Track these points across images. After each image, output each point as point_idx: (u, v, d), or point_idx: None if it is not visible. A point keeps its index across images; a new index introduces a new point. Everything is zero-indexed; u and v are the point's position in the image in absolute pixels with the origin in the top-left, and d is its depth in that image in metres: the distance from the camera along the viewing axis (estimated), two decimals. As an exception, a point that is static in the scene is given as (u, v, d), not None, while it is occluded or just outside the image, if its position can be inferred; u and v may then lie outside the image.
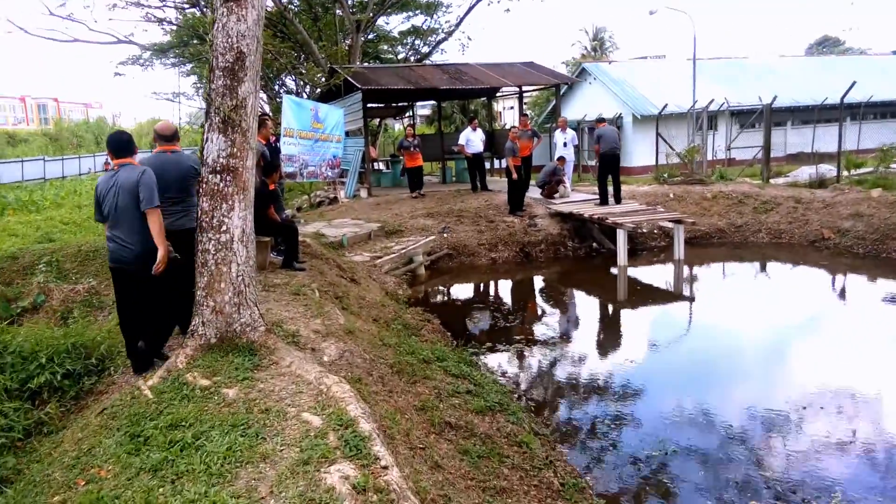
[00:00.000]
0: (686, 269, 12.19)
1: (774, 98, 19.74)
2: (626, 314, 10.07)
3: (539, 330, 9.10)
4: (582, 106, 30.02)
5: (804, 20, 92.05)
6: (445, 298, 11.23)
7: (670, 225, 12.99)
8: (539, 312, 10.25)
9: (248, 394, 3.99)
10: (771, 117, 19.19)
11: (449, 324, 9.12)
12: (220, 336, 4.67)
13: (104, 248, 11.61)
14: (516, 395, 6.12)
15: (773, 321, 8.97)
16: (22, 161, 40.47)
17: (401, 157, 23.27)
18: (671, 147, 19.30)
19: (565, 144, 15.53)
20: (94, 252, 10.89)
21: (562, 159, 15.24)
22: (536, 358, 7.80)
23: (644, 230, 13.48)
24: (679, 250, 12.09)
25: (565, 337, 8.74)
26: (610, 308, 10.50)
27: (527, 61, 20.71)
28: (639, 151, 26.30)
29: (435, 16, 28.88)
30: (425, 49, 30.34)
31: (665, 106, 23.58)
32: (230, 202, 4.64)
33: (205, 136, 4.67)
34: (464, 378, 5.73)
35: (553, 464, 4.66)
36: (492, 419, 5.06)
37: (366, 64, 22.98)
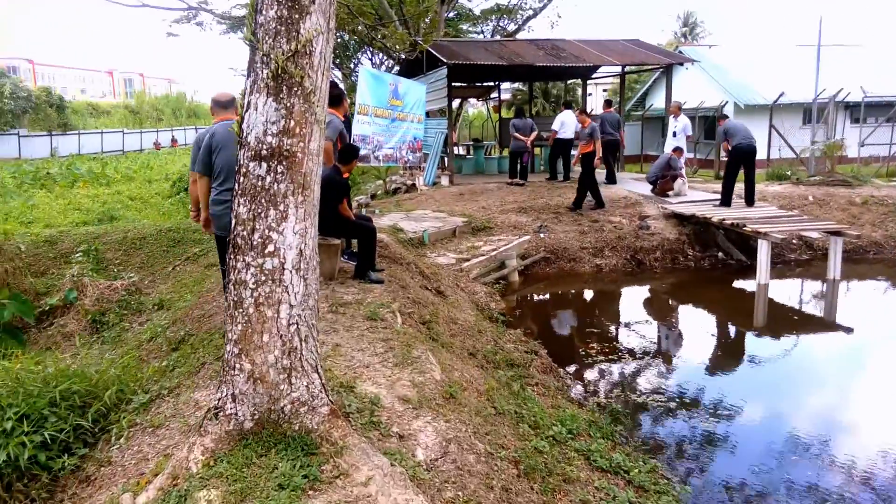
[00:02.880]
0: (841, 291, 9.88)
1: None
2: (776, 349, 7.92)
3: (670, 368, 7.10)
4: (678, 93, 27.16)
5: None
6: (546, 315, 9.32)
7: (816, 235, 10.67)
8: (664, 342, 8.23)
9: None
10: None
11: (556, 353, 7.27)
12: (258, 418, 2.94)
13: (153, 236, 10.25)
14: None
15: None
16: (102, 132, 40.60)
17: (484, 143, 21.46)
18: (786, 142, 16.68)
19: (674, 134, 13.31)
20: (140, 240, 9.47)
21: (678, 150, 13.03)
22: (686, 420, 5.83)
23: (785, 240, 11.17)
24: (835, 268, 9.77)
25: (711, 384, 6.71)
26: (759, 340, 8.35)
27: (631, 38, 18.39)
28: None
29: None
30: (512, 27, 28.21)
31: (781, 94, 20.75)
32: (282, 207, 2.88)
33: (244, 102, 2.92)
34: (618, 474, 3.84)
35: None
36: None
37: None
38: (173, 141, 44.84)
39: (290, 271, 2.93)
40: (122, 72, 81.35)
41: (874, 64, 26.55)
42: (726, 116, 11.82)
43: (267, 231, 2.89)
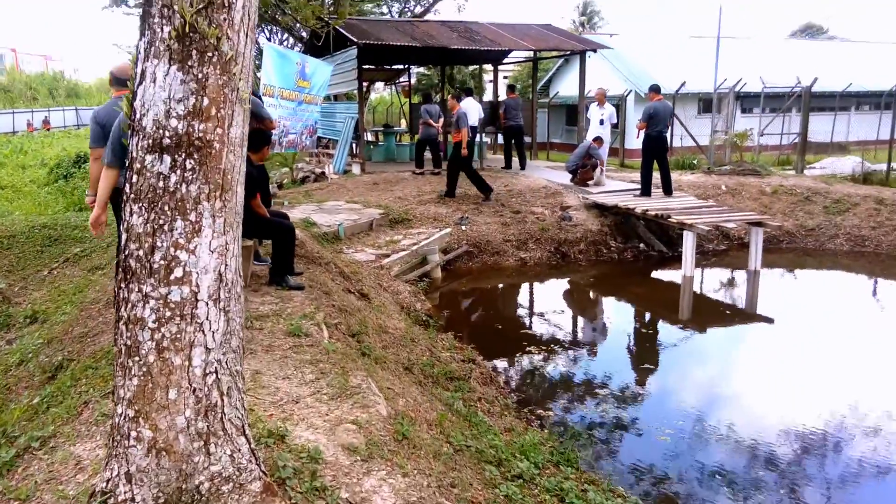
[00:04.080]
0: (754, 281, 9.91)
1: (815, 80, 17.60)
2: (705, 345, 7.75)
3: (606, 369, 6.73)
4: (577, 82, 27.28)
5: (783, 6, 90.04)
6: (474, 315, 8.78)
7: (733, 226, 10.70)
8: (596, 340, 7.88)
9: None
10: (810, 102, 17.02)
11: (491, 356, 6.79)
12: None
13: (25, 233, 8.88)
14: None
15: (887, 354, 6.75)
16: (-36, 113, 36.62)
17: (395, 128, 20.66)
18: (688, 132, 16.93)
19: (601, 122, 13.10)
20: (9, 238, 8.15)
21: (598, 139, 12.81)
22: (638, 432, 5.42)
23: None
24: (756, 258, 9.78)
25: (654, 387, 6.38)
26: (687, 335, 8.15)
27: (543, 23, 18.13)
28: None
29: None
30: (418, 10, 27.44)
31: (683, 84, 21.20)
32: (194, 217, 2.11)
33: (137, 71, 2.12)
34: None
35: None
36: None
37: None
38: (44, 123, 40.77)
39: (207, 303, 2.16)
40: (-11, 46, 74.09)
41: (763, 55, 27.76)
42: (658, 90, 11.35)
43: (173, 250, 2.10)
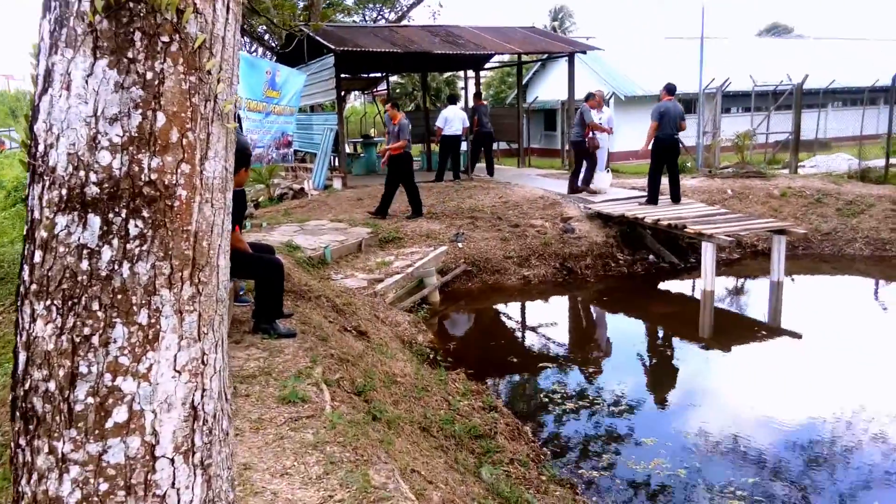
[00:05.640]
0: (777, 293, 9.19)
1: (806, 77, 17.12)
2: (737, 364, 6.97)
3: (643, 405, 5.92)
4: (559, 85, 26.58)
5: (751, 6, 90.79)
6: (482, 345, 7.89)
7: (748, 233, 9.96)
8: (619, 368, 7.05)
9: None
10: (801, 99, 16.49)
11: (510, 398, 5.98)
12: None
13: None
14: None
15: None
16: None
17: (375, 139, 19.74)
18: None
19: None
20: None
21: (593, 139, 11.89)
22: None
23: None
24: (779, 268, 9.05)
25: (703, 426, 5.57)
26: (717, 356, 7.37)
27: (527, 26, 17.42)
28: (620, 135, 23.30)
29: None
30: (392, 17, 26.56)
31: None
32: (145, 316, 1.22)
33: (37, 73, 1.23)
34: None
35: None
36: None
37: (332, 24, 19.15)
38: (1, 144, 38.86)
39: (172, 459, 1.28)
40: (-56, 65, 71.70)
41: (740, 55, 27.39)
42: (673, 90, 10.53)
43: (110, 377, 1.22)
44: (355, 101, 40.50)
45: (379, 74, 19.60)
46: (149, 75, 1.21)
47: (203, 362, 1.32)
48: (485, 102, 14.83)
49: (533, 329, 8.61)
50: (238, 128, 5.26)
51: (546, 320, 8.88)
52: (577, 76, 22.37)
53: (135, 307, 1.22)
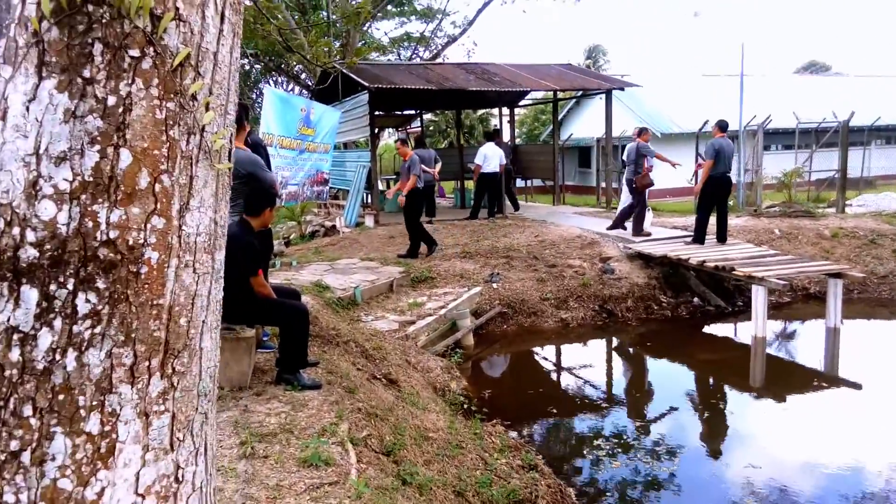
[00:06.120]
0: (833, 340, 8.59)
1: (852, 114, 16.55)
2: (794, 415, 6.42)
3: (693, 459, 5.43)
4: (594, 124, 26.27)
5: (787, 45, 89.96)
6: (519, 393, 7.45)
7: (791, 275, 9.41)
8: (668, 417, 6.55)
9: None
10: (848, 137, 15.89)
11: (552, 454, 5.54)
12: None
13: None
14: None
15: None
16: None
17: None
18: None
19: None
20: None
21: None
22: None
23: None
24: (835, 314, 8.49)
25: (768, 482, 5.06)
26: (771, 407, 6.83)
27: (563, 63, 17.24)
28: (657, 173, 22.90)
29: (434, 22, 25.33)
30: (427, 55, 26.73)
31: (706, 123, 20.16)
32: (96, 424, 0.90)
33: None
34: None
35: None
36: None
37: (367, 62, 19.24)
38: None
39: None
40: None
41: (779, 92, 26.95)
42: (725, 127, 10.17)
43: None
44: (389, 138, 40.78)
45: (413, 112, 19.57)
46: (111, 100, 0.91)
47: (177, 479, 0.99)
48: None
49: (572, 375, 8.16)
50: (266, 164, 5.03)
51: (586, 365, 8.44)
52: (614, 113, 22.17)
53: (82, 411, 0.90)
